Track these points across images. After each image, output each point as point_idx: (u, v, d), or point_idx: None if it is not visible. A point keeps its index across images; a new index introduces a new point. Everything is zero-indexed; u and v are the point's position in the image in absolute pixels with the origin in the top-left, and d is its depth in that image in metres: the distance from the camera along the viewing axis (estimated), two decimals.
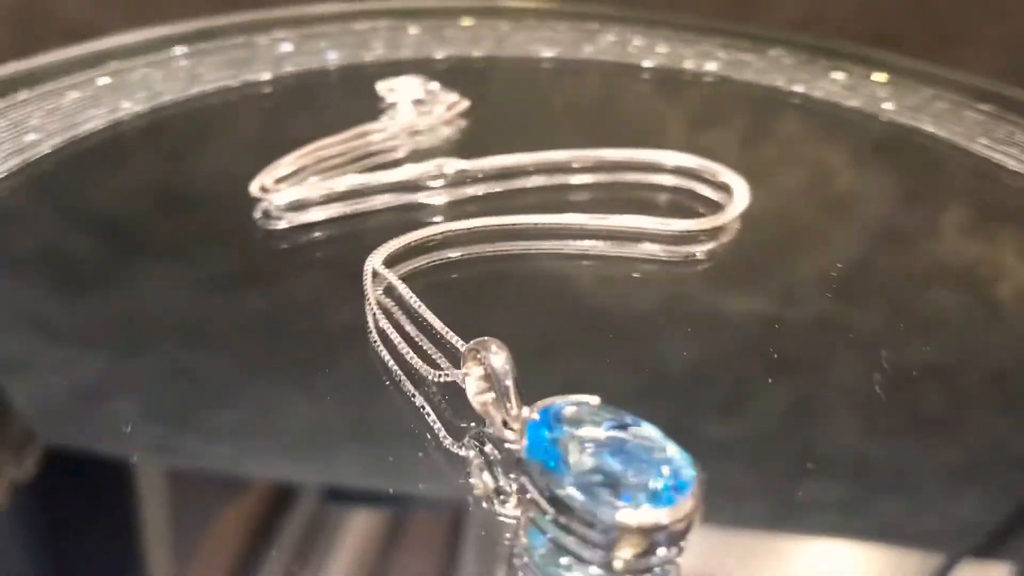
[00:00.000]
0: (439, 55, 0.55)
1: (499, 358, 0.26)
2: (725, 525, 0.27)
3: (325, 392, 0.30)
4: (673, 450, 0.23)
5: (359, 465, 0.28)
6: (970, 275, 0.38)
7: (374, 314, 0.31)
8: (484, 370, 0.26)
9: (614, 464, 0.23)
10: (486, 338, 0.26)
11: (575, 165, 0.42)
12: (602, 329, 0.33)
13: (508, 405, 0.25)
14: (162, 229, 0.38)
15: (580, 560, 0.23)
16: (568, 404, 0.25)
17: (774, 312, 0.35)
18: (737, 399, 0.31)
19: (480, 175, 0.41)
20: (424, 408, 0.28)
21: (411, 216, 0.39)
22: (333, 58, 0.53)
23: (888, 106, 0.51)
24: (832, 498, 0.28)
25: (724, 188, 0.41)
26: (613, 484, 0.23)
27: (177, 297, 0.34)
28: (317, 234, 0.38)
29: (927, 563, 0.26)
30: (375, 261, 0.33)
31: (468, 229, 0.36)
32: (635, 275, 0.36)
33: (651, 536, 0.22)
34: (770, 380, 0.31)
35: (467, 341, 0.27)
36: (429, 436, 0.28)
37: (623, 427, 0.24)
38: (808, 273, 0.38)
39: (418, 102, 0.47)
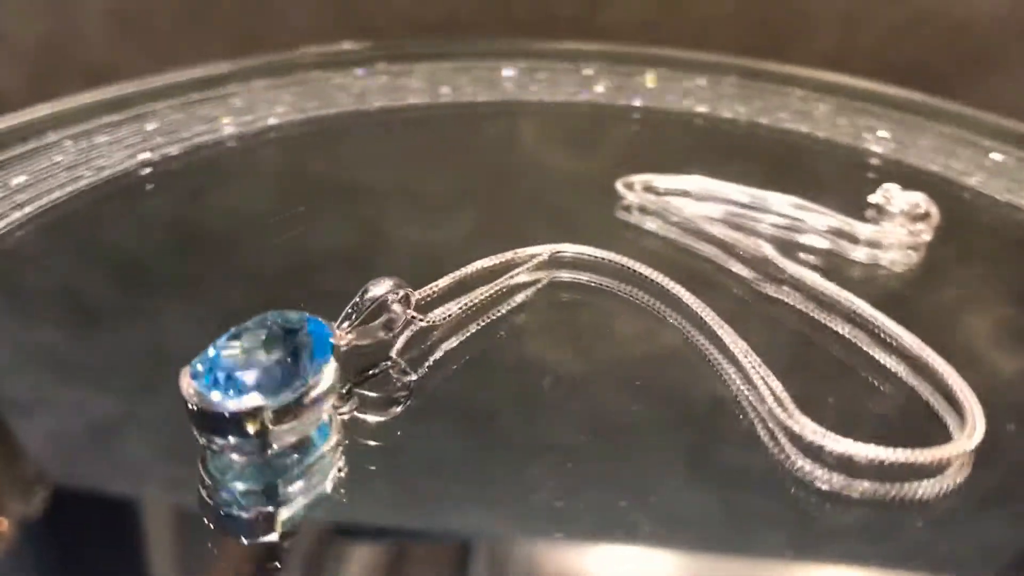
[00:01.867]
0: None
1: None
2: (747, 553, 0.27)
3: (342, 429, 0.30)
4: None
5: (381, 500, 0.29)
6: None
7: None
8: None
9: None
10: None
11: None
12: None
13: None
14: (179, 268, 0.39)
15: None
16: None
17: None
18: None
19: None
20: None
21: None
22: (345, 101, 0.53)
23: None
24: (855, 523, 0.28)
25: None
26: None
27: (192, 336, 0.35)
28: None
29: None
30: None
31: None
32: None
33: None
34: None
35: None
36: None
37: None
38: None
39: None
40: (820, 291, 0.37)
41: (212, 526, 0.27)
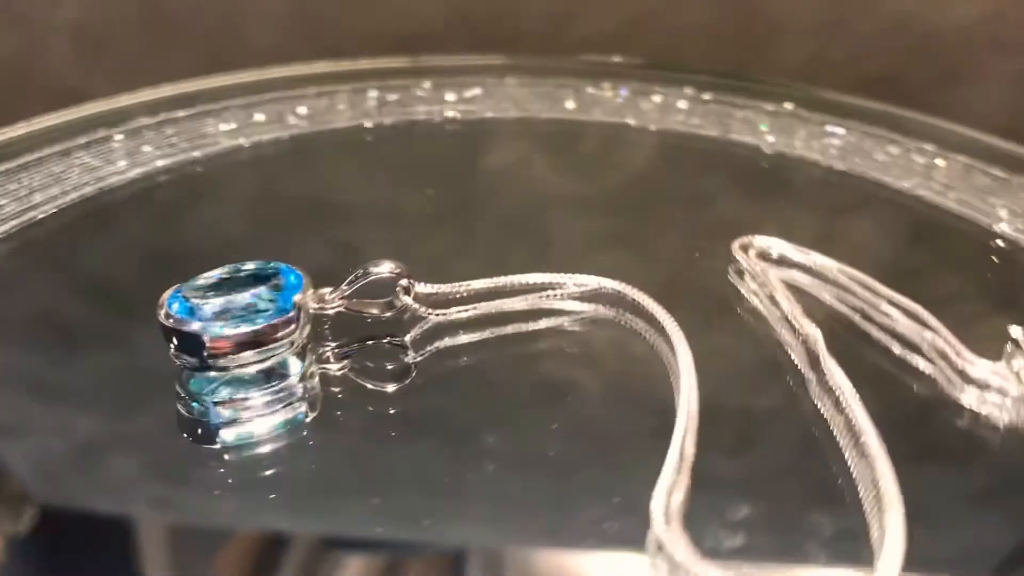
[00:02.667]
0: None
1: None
2: (737, 559, 0.27)
3: (325, 444, 0.31)
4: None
5: (363, 516, 0.29)
6: None
7: None
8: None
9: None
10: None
11: None
12: None
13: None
14: (156, 289, 0.39)
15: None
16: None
17: None
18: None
19: None
20: None
21: None
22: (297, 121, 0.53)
23: None
24: (843, 526, 0.28)
25: None
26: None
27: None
28: None
29: None
30: None
31: None
32: None
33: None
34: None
35: None
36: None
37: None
38: None
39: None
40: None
41: (189, 437, 0.31)
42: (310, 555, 0.27)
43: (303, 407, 0.32)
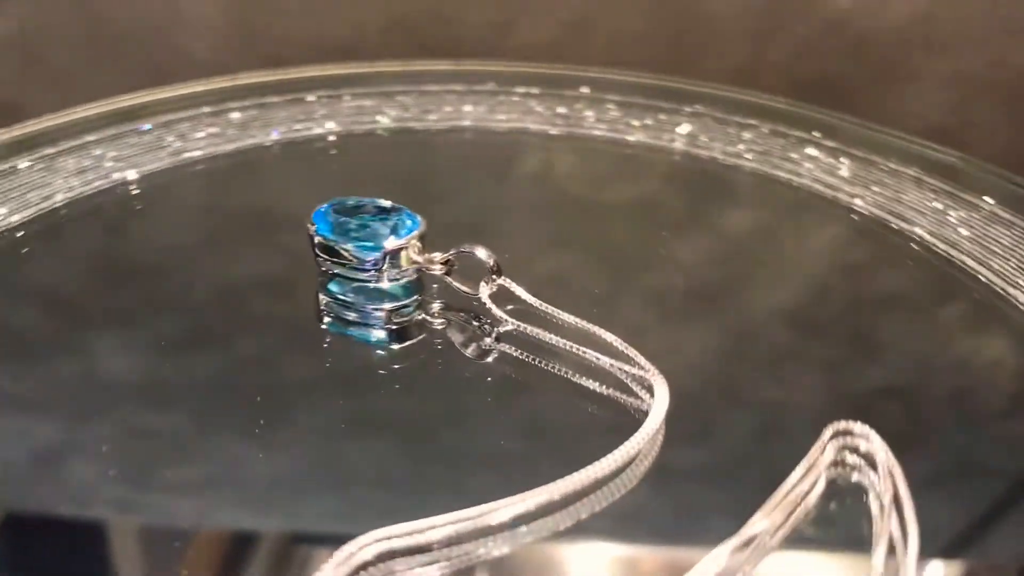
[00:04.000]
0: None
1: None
2: (695, 545, 0.28)
3: (285, 445, 0.31)
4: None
5: (324, 514, 0.30)
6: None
7: None
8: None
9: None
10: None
11: None
12: None
13: None
14: (108, 298, 0.39)
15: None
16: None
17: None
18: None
19: None
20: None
21: None
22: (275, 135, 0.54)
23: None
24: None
25: None
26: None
27: (129, 361, 0.35)
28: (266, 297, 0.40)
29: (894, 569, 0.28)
30: None
31: None
32: None
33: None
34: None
35: None
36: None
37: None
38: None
39: None
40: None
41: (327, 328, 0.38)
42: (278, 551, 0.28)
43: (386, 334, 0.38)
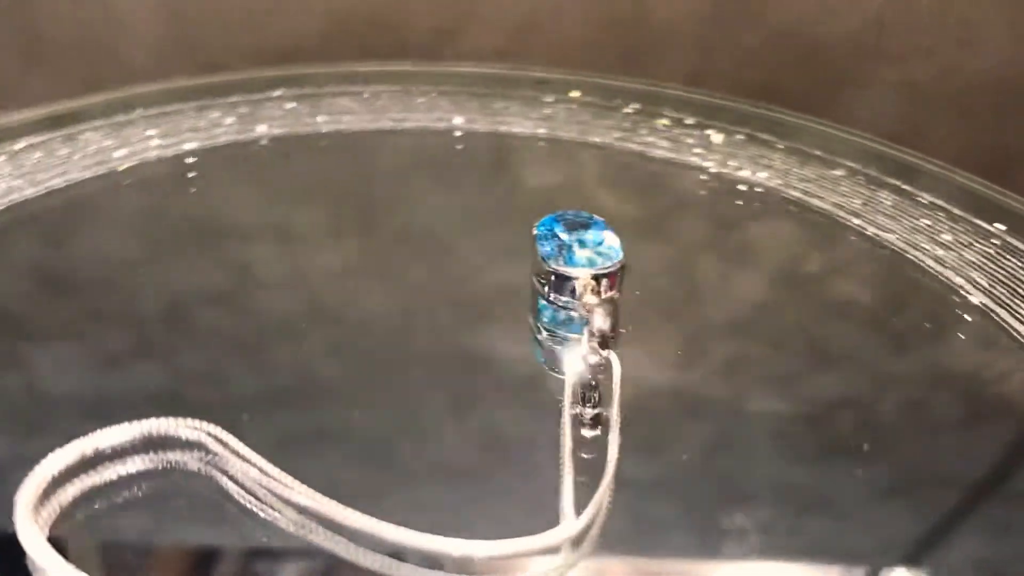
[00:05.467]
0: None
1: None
2: (655, 556, 0.28)
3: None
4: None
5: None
6: None
7: None
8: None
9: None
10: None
11: None
12: None
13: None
14: (48, 313, 0.39)
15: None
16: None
17: None
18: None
19: None
20: None
21: None
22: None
23: None
24: (758, 522, 0.29)
25: None
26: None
27: (71, 375, 0.35)
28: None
29: None
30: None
31: None
32: None
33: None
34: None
35: None
36: None
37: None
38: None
39: None
40: None
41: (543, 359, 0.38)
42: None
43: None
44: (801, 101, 0.70)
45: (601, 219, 0.38)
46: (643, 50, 0.72)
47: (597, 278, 0.36)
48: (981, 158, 0.67)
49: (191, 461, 0.30)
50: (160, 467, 0.30)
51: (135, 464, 0.31)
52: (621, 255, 0.37)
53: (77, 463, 0.30)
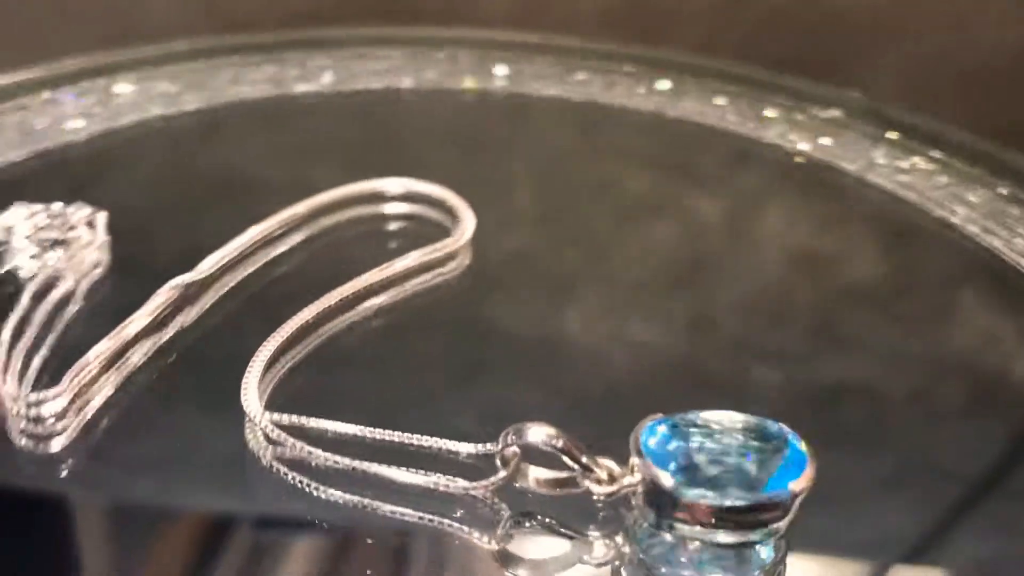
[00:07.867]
0: None
1: (539, 432, 0.28)
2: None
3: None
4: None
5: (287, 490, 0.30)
6: None
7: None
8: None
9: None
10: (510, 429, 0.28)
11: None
12: None
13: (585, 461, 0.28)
14: None
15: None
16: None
17: None
18: None
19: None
20: None
21: None
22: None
23: None
24: None
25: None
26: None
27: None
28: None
29: (857, 572, 0.30)
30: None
31: None
32: None
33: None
34: None
35: None
36: None
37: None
38: None
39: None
40: None
41: None
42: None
43: None
44: (815, 73, 0.71)
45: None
46: (655, 21, 0.72)
47: None
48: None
49: None
50: None
51: None
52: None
53: None
